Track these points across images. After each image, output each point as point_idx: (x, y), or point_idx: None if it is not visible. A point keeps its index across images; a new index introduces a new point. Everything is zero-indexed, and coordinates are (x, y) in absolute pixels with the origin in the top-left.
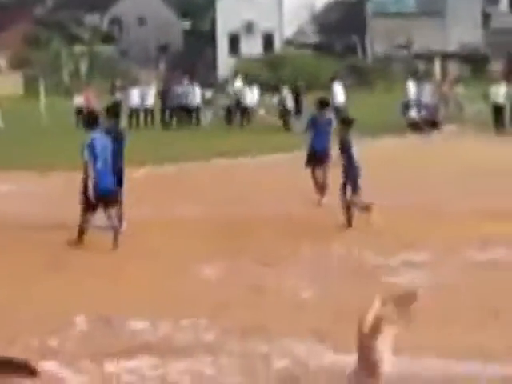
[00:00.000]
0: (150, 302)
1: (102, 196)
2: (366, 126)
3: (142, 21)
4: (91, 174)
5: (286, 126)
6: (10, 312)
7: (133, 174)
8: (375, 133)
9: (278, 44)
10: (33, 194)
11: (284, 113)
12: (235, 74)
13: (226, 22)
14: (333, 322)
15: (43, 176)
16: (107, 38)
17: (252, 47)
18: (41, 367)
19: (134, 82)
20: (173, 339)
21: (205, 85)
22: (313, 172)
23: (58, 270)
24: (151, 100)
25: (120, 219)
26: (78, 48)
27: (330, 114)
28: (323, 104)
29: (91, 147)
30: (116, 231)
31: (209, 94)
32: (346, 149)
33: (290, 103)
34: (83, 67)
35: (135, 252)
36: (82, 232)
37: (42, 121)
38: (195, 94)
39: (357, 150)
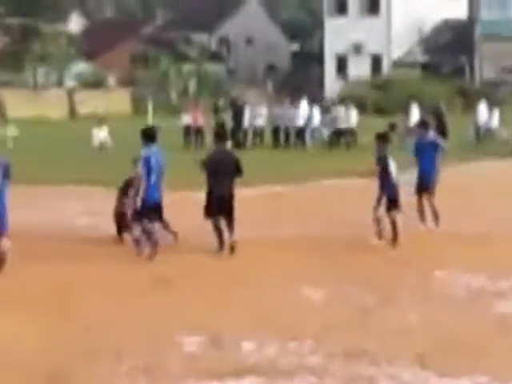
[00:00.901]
0: (255, 323)
1: (151, 208)
2: (468, 149)
3: (249, 41)
4: (143, 185)
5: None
6: (116, 330)
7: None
8: (477, 156)
9: (386, 66)
10: None
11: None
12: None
13: (333, 44)
14: (437, 348)
15: None
16: (215, 57)
17: (360, 69)
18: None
19: (240, 102)
20: (278, 361)
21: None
22: (418, 198)
23: (164, 289)
24: (261, 120)
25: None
26: (187, 67)
27: (433, 136)
28: (425, 125)
29: (146, 161)
30: (156, 245)
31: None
32: (383, 165)
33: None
34: (191, 86)
35: (240, 273)
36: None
37: None
38: (298, 115)
39: (395, 167)
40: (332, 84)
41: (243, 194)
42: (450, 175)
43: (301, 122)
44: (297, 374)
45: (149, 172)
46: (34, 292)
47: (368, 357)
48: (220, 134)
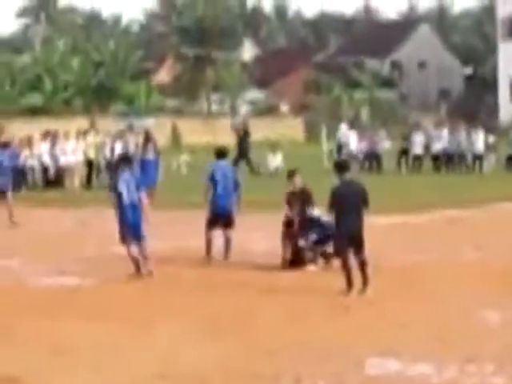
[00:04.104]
0: (434, 344)
1: (218, 216)
2: None
3: (422, 65)
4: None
5: None
6: (297, 353)
7: (415, 220)
8: None
9: None
10: None
11: None
12: None
13: (507, 69)
14: None
15: None
16: (387, 83)
17: None
18: None
19: (417, 128)
20: (459, 383)
21: (486, 131)
22: None
23: (343, 314)
24: (440, 144)
25: None
26: (359, 93)
27: None
28: None
29: (211, 175)
30: (228, 247)
31: (491, 139)
32: None
33: None
34: (364, 113)
35: (415, 295)
36: None
37: (322, 165)
38: (477, 140)
39: None
40: (506, 108)
41: (421, 219)
42: None
43: (480, 147)
44: None
45: (214, 184)
46: (218, 313)
47: None
48: (340, 165)
